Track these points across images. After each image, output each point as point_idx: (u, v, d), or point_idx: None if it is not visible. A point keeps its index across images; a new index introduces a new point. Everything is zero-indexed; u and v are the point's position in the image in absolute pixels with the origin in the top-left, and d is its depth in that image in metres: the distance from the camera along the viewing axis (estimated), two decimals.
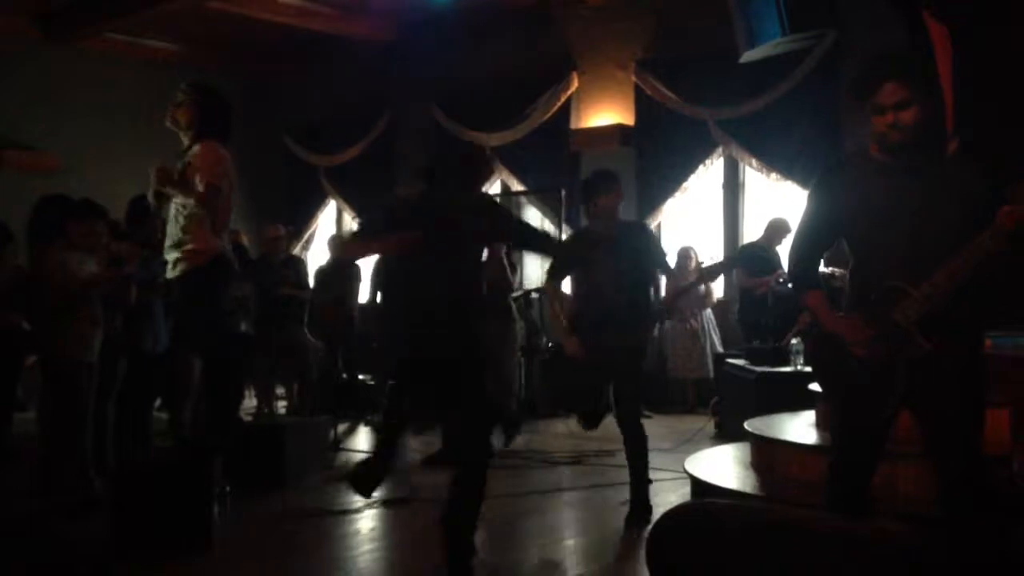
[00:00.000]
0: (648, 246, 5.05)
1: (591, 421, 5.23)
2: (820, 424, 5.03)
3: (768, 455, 4.97)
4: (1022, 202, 2.80)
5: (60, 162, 10.84)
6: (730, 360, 7.87)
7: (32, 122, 11.02)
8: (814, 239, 3.20)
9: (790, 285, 6.46)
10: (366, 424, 8.72)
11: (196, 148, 5.18)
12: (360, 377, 9.76)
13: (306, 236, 12.92)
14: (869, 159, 3.06)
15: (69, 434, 5.24)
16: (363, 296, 9.77)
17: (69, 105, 11.43)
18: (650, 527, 3.23)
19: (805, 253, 3.22)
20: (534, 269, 10.93)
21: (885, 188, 2.99)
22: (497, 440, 6.96)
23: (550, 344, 9.42)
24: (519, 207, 11.19)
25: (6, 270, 6.51)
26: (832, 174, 3.19)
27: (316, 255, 12.50)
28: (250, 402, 8.99)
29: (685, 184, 9.72)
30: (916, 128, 2.93)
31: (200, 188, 5.07)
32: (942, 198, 2.93)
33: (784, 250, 8.13)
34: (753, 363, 7.32)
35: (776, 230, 8.33)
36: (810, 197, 3.21)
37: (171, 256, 5.15)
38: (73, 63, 11.50)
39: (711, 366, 8.85)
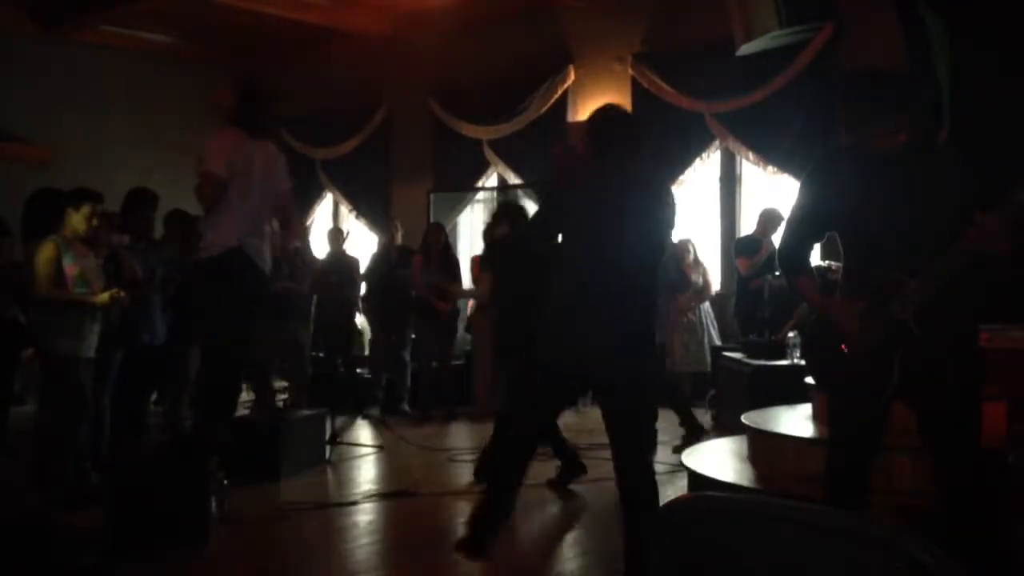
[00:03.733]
0: None
1: None
2: (816, 417, 5.03)
3: (764, 448, 4.97)
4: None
5: (54, 155, 10.81)
6: (727, 353, 7.87)
7: (26, 115, 10.99)
8: (804, 230, 3.20)
9: (782, 276, 6.46)
10: (363, 418, 8.74)
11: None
12: (359, 371, 9.76)
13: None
14: (860, 152, 3.05)
15: (66, 428, 5.23)
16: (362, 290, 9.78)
17: (63, 98, 11.40)
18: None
19: (795, 243, 3.22)
20: None
21: (877, 181, 2.99)
22: None
23: None
24: (516, 200, 11.18)
25: (1, 263, 6.50)
26: (823, 166, 3.19)
27: (313, 248, 12.48)
28: (247, 395, 8.98)
29: (682, 177, 9.71)
30: (908, 139, 2.93)
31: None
32: (934, 189, 2.92)
33: (778, 240, 8.13)
34: (749, 356, 7.32)
35: (769, 220, 8.33)
36: (801, 188, 3.21)
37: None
38: (67, 56, 11.47)
39: (708, 359, 8.85)
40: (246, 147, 5.27)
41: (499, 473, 3.97)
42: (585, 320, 3.54)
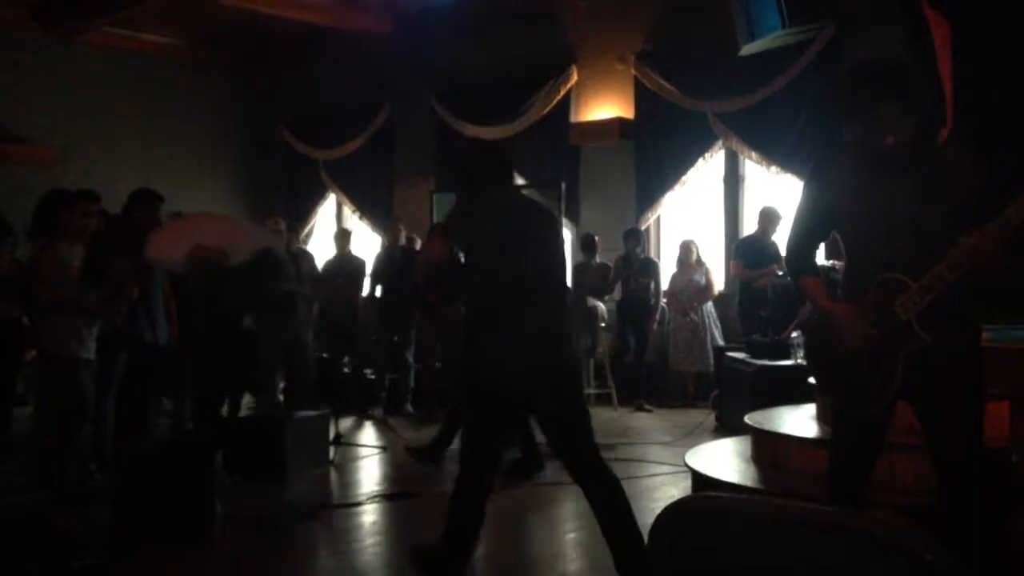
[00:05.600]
0: None
1: None
2: (820, 417, 5.03)
3: (768, 448, 4.97)
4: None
5: (58, 156, 10.84)
6: (730, 353, 7.87)
7: (30, 116, 11.02)
8: (808, 230, 3.20)
9: (788, 277, 6.45)
10: (368, 418, 8.74)
11: None
12: (366, 372, 9.76)
13: (306, 230, 12.91)
14: (863, 151, 3.05)
15: (69, 428, 5.25)
16: (365, 290, 9.79)
17: (67, 99, 11.43)
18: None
19: (800, 243, 3.22)
20: None
21: (879, 181, 2.98)
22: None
23: None
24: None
25: (4, 265, 6.52)
26: (825, 165, 3.18)
27: (315, 250, 12.50)
28: (250, 396, 8.99)
29: (684, 177, 9.71)
30: (913, 134, 2.93)
31: None
32: (937, 189, 2.92)
33: (780, 239, 8.15)
34: (753, 356, 7.32)
35: (768, 219, 8.35)
36: (804, 187, 3.21)
37: None
38: (71, 57, 11.50)
39: (711, 359, 8.86)
40: None
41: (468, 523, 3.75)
42: (536, 340, 3.65)
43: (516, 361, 3.62)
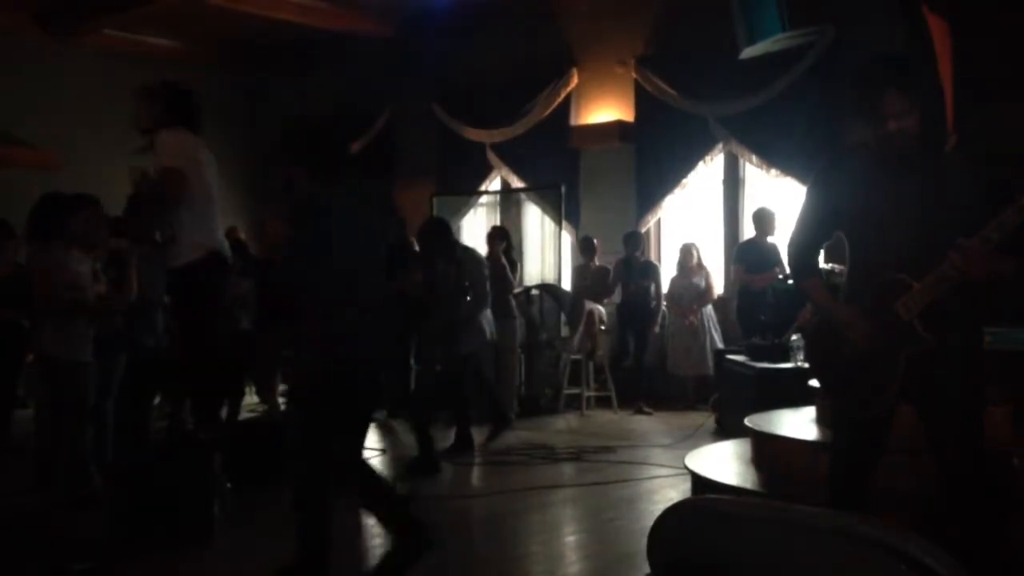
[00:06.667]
0: None
1: None
2: (820, 420, 5.02)
3: (768, 451, 4.97)
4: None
5: (59, 159, 10.83)
6: (730, 356, 7.87)
7: (32, 119, 11.02)
8: (812, 233, 3.21)
9: (790, 280, 6.46)
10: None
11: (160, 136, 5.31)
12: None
13: None
14: (868, 155, 3.05)
15: (68, 431, 5.24)
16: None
17: (69, 102, 11.43)
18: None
19: (803, 246, 3.23)
20: (534, 266, 10.94)
21: (884, 184, 2.99)
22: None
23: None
24: (519, 203, 11.19)
25: (5, 267, 6.52)
26: (830, 169, 3.19)
27: None
28: (251, 398, 8.99)
29: (685, 180, 9.72)
30: (917, 132, 2.93)
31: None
32: (941, 193, 2.93)
33: (778, 240, 8.16)
34: (753, 359, 7.31)
35: (762, 221, 8.35)
36: (808, 191, 3.22)
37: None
38: (72, 60, 11.50)
39: (711, 362, 8.85)
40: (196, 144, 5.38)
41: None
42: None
43: (344, 355, 3.66)
